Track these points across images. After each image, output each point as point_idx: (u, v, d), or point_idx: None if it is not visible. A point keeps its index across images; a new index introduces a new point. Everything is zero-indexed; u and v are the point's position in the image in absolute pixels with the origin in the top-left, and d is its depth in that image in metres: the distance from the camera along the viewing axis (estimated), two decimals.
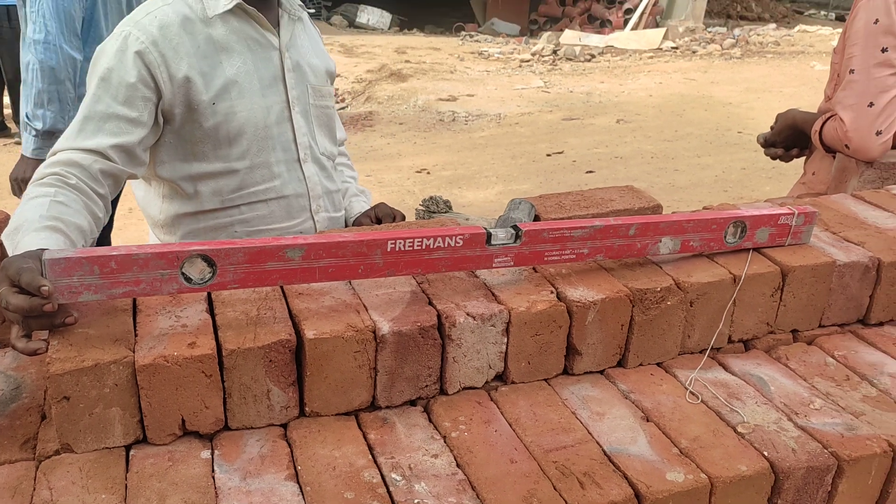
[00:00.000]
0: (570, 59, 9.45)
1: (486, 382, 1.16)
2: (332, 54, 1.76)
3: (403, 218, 1.56)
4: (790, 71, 8.84)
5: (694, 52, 9.85)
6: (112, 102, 1.37)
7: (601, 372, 1.22)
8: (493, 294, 1.16)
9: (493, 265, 1.15)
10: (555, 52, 9.68)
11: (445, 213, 1.58)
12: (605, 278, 1.22)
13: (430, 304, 1.12)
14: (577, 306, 1.15)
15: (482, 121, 6.79)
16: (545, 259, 1.18)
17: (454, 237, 1.11)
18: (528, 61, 9.31)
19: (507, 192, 4.97)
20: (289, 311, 1.08)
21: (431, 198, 1.59)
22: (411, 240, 1.08)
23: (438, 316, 1.10)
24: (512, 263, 1.16)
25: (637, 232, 1.22)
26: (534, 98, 7.61)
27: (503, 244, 1.14)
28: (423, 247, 1.09)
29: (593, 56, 9.64)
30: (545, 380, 1.19)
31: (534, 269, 1.24)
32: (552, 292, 1.17)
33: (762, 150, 2.11)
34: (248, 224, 1.53)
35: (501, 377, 1.17)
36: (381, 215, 1.65)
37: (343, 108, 7.12)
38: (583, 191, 1.69)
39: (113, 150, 1.36)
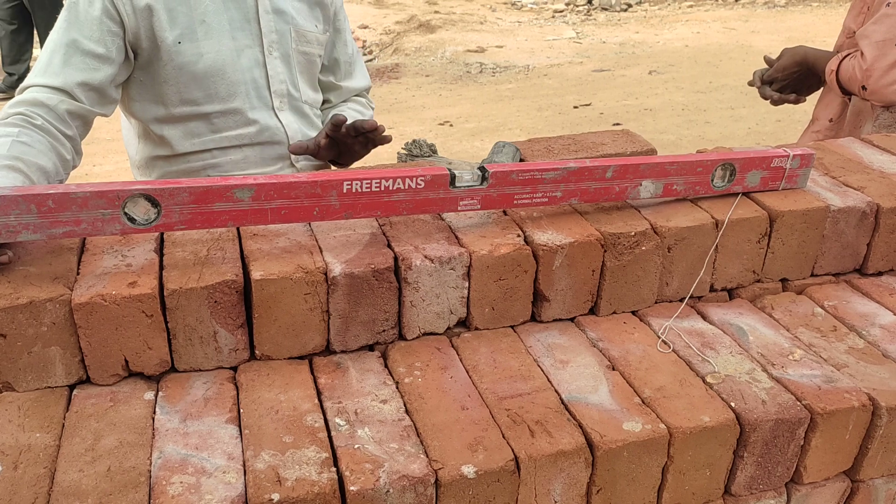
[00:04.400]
0: (606, 9, 9.17)
1: (449, 328, 1.12)
2: (360, 5, 1.70)
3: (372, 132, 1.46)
4: (836, 20, 8.44)
5: (736, 0, 9.48)
6: (78, 36, 1.34)
7: (572, 320, 1.17)
8: (457, 237, 1.11)
9: (459, 208, 1.10)
10: (590, 1, 9.40)
11: (429, 156, 1.53)
12: (577, 222, 1.16)
13: (389, 246, 1.08)
14: (544, 250, 1.10)
15: (510, 72, 6.65)
16: (514, 202, 1.13)
17: (415, 178, 1.06)
18: (561, 12, 9.06)
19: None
20: (241, 252, 1.05)
21: (414, 141, 1.53)
22: (369, 181, 1.04)
23: (395, 258, 1.06)
24: (479, 207, 1.11)
25: (615, 174, 1.16)
26: (565, 49, 7.42)
27: (468, 186, 1.09)
28: (383, 188, 1.05)
29: (630, 6, 9.34)
30: (511, 326, 1.15)
31: (504, 212, 1.19)
32: (519, 236, 1.12)
33: (755, 87, 1.92)
34: (221, 169, 1.49)
35: (465, 323, 1.13)
36: (334, 123, 1.43)
37: (370, 61, 7.03)
38: (574, 135, 1.62)
39: (80, 89, 1.33)
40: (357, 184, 1.03)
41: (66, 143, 1.32)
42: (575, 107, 5.65)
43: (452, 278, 1.08)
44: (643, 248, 1.14)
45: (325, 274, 1.01)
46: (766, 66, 1.96)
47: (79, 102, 1.34)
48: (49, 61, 1.34)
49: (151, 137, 1.48)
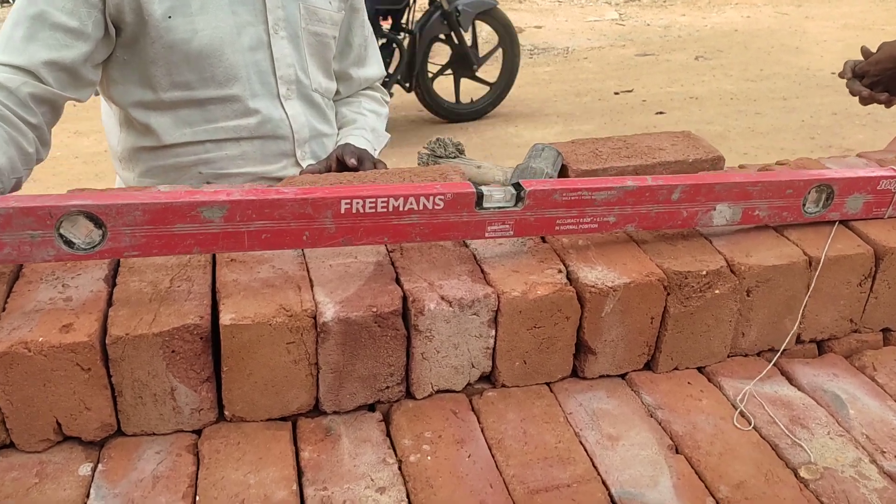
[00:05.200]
0: None
1: (469, 384, 0.90)
2: None
3: (372, 163, 1.26)
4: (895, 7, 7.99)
5: None
6: (47, 7, 1.13)
7: (622, 376, 0.95)
8: (482, 270, 0.89)
9: (487, 234, 0.88)
10: None
11: (454, 158, 1.30)
12: (633, 255, 0.93)
13: (397, 281, 0.86)
14: (592, 292, 0.87)
15: (548, 55, 6.36)
16: (557, 229, 0.90)
17: (432, 197, 0.84)
18: None
19: (567, 133, 4.61)
20: (213, 283, 0.84)
21: (438, 139, 1.31)
22: (374, 199, 0.82)
23: (404, 298, 0.84)
24: (511, 233, 0.89)
25: (683, 196, 0.93)
26: (606, 31, 7.09)
27: (499, 208, 0.87)
28: (391, 209, 0.83)
29: None
30: (547, 384, 0.92)
31: (542, 238, 0.96)
32: (560, 271, 0.89)
33: (845, 81, 1.66)
34: (214, 165, 1.28)
35: (489, 378, 0.91)
36: (341, 156, 1.26)
37: None
38: (626, 137, 1.38)
39: (47, 69, 1.13)
40: (359, 203, 0.81)
41: (28, 134, 1.12)
42: (616, 93, 5.36)
43: (475, 325, 0.86)
44: (716, 291, 0.91)
45: (315, 318, 0.80)
46: (862, 57, 1.69)
47: (45, 85, 1.13)
48: (10, 36, 1.13)
49: (135, 126, 1.27)
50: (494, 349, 0.88)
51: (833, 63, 6.04)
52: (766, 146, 4.42)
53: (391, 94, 4.40)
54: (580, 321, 0.89)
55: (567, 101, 5.18)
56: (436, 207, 0.84)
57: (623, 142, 1.35)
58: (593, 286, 0.87)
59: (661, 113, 4.96)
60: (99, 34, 1.17)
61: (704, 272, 0.90)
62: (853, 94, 1.62)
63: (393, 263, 0.90)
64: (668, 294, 0.90)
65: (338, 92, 1.47)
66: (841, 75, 1.63)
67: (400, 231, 0.85)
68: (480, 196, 0.86)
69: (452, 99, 4.80)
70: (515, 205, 0.87)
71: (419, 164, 1.31)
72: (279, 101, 1.30)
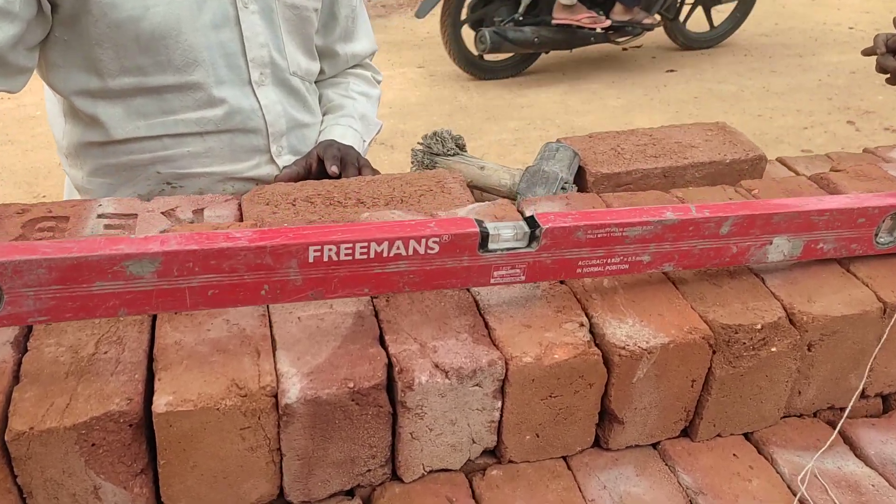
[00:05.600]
0: None
1: (469, 460, 0.74)
2: None
3: (357, 167, 1.07)
4: None
5: None
6: None
7: (654, 445, 0.79)
8: (486, 324, 0.72)
9: (493, 281, 0.71)
10: None
11: (453, 155, 1.12)
12: (671, 301, 0.76)
13: (381, 340, 0.70)
14: (622, 356, 0.70)
15: None
16: (578, 271, 0.73)
17: (424, 240, 0.66)
18: None
19: (572, 93, 4.39)
20: (150, 347, 0.67)
21: (435, 133, 1.13)
22: (351, 245, 0.64)
23: (389, 364, 0.67)
24: (522, 278, 0.72)
25: (735, 228, 0.75)
26: None
27: (509, 249, 0.69)
28: (373, 255, 0.65)
29: None
30: (564, 457, 0.76)
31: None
32: (583, 325, 0.72)
33: (873, 57, 1.45)
34: (174, 164, 1.10)
35: (494, 452, 0.75)
36: (322, 158, 1.09)
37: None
38: (652, 130, 1.20)
39: None
40: (331, 250, 0.64)
41: None
42: (624, 49, 5.10)
43: (478, 398, 0.69)
44: (773, 349, 0.75)
45: (276, 397, 0.63)
46: (895, 30, 1.49)
47: None
48: None
49: (81, 117, 1.09)
50: (501, 422, 0.72)
51: (850, 17, 5.77)
52: (781, 107, 4.21)
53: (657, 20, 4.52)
54: (606, 387, 0.73)
55: (572, 56, 4.93)
56: (429, 252, 0.67)
57: (649, 136, 1.18)
58: (624, 348, 0.70)
59: (671, 71, 4.73)
60: (30, 13, 0.98)
61: (759, 326, 0.74)
62: (883, 70, 1.40)
63: (377, 314, 0.73)
64: (714, 353, 0.74)
65: (322, 71, 1.28)
66: (867, 52, 1.42)
67: (384, 281, 0.67)
68: (485, 237, 0.68)
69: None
70: (528, 245, 0.70)
71: (413, 162, 1.13)
72: (250, 87, 1.11)
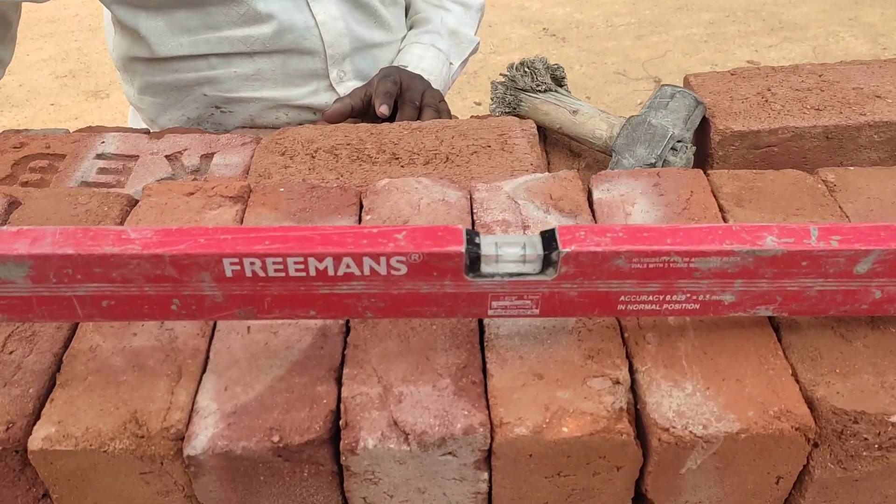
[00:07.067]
0: None
1: None
2: None
3: (417, 106, 0.85)
4: None
5: None
6: None
7: None
8: (484, 364, 0.53)
9: (492, 313, 0.51)
10: None
11: (543, 91, 0.89)
12: (763, 357, 0.52)
13: (338, 375, 0.53)
14: (663, 442, 0.49)
15: None
16: (622, 308, 0.51)
17: (383, 259, 0.47)
18: None
19: (715, 40, 3.71)
20: (59, 358, 0.55)
21: (523, 63, 0.89)
22: (279, 259, 0.47)
23: (337, 411, 0.51)
24: (535, 311, 0.51)
25: (881, 268, 0.49)
26: None
27: (513, 276, 0.49)
28: (313, 273, 0.48)
29: None
30: None
31: None
32: (617, 384, 0.51)
33: None
34: (221, 86, 0.96)
35: None
36: (374, 91, 0.87)
37: None
38: (824, 66, 0.89)
39: None
40: (254, 264, 0.47)
41: None
42: None
43: (453, 468, 0.51)
44: None
45: (180, 444, 0.50)
46: None
47: None
48: None
49: (127, 29, 0.97)
50: (490, 495, 0.54)
51: None
52: None
53: None
54: (642, 472, 0.52)
55: None
56: (394, 274, 0.48)
57: (818, 77, 0.88)
58: (667, 430, 0.49)
59: None
60: None
61: (895, 418, 0.49)
62: None
63: (348, 330, 0.56)
64: (815, 448, 0.50)
65: None
66: None
67: (335, 304, 0.50)
68: (475, 258, 0.48)
69: None
70: (542, 272, 0.49)
71: (492, 99, 0.91)
72: (304, 0, 0.93)
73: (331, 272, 0.48)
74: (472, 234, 0.49)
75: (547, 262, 0.49)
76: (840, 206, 0.65)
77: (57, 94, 3.27)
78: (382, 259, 0.48)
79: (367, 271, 0.48)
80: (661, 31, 3.39)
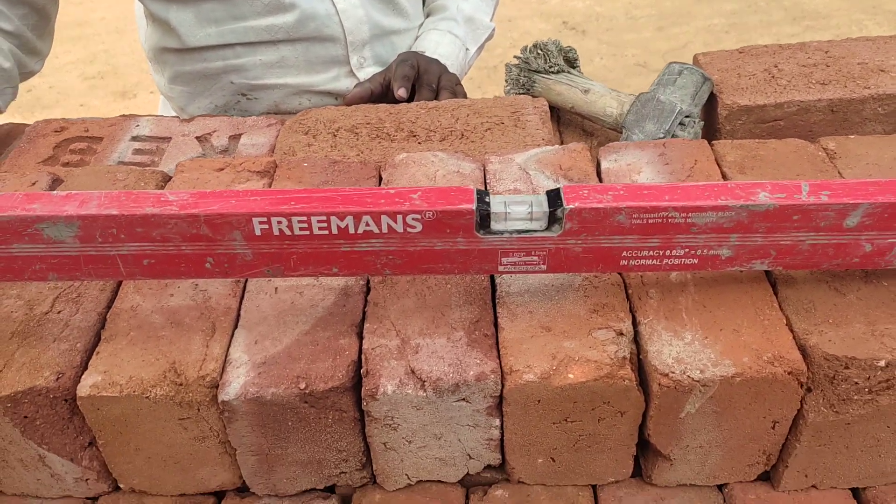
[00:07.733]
0: None
1: (468, 475, 0.61)
2: None
3: (434, 89, 0.89)
4: None
5: None
6: None
7: (720, 487, 0.60)
8: (496, 318, 0.57)
9: (502, 269, 0.55)
10: None
11: (556, 73, 0.92)
12: (759, 308, 0.55)
13: (360, 328, 0.57)
14: (662, 386, 0.52)
15: None
16: (624, 263, 0.54)
17: (400, 217, 0.51)
18: None
19: (737, 30, 3.71)
20: (103, 316, 0.60)
21: (536, 45, 0.93)
22: (304, 218, 0.51)
23: (359, 362, 0.55)
24: (543, 267, 0.55)
25: (870, 221, 0.52)
26: None
27: (521, 232, 0.53)
28: (335, 231, 0.52)
29: None
30: (592, 485, 0.61)
31: None
32: (621, 334, 0.55)
33: None
34: (247, 74, 1.01)
35: (501, 467, 0.61)
36: (393, 75, 0.91)
37: None
38: (829, 43, 0.91)
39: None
40: (281, 223, 0.52)
41: (1, 45, 0.91)
42: None
43: (467, 414, 0.55)
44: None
45: (215, 388, 0.54)
46: None
47: None
48: None
49: (157, 21, 1.02)
50: (502, 441, 0.58)
51: None
52: None
53: None
54: (643, 418, 0.55)
55: None
56: (410, 231, 0.52)
57: (823, 53, 0.90)
58: (666, 375, 0.52)
59: None
60: None
61: (883, 363, 0.51)
62: None
63: (369, 290, 0.60)
64: (808, 392, 0.53)
65: None
66: None
67: (355, 261, 0.54)
68: (485, 215, 0.52)
69: None
70: (548, 228, 0.53)
71: (507, 81, 0.95)
72: None
73: (351, 230, 0.52)
74: (482, 194, 0.53)
75: (553, 219, 0.52)
76: (839, 172, 0.68)
77: (86, 96, 3.35)
78: (399, 217, 0.51)
79: (384, 229, 0.52)
80: (681, 22, 3.40)
